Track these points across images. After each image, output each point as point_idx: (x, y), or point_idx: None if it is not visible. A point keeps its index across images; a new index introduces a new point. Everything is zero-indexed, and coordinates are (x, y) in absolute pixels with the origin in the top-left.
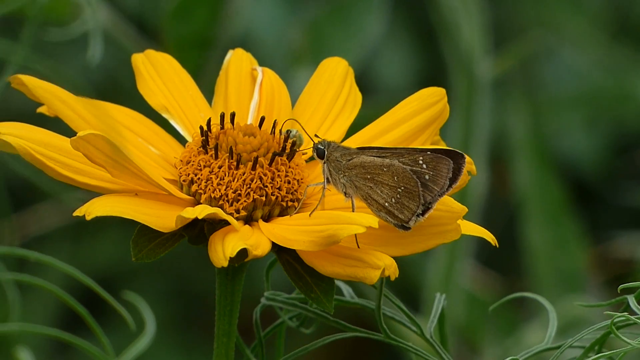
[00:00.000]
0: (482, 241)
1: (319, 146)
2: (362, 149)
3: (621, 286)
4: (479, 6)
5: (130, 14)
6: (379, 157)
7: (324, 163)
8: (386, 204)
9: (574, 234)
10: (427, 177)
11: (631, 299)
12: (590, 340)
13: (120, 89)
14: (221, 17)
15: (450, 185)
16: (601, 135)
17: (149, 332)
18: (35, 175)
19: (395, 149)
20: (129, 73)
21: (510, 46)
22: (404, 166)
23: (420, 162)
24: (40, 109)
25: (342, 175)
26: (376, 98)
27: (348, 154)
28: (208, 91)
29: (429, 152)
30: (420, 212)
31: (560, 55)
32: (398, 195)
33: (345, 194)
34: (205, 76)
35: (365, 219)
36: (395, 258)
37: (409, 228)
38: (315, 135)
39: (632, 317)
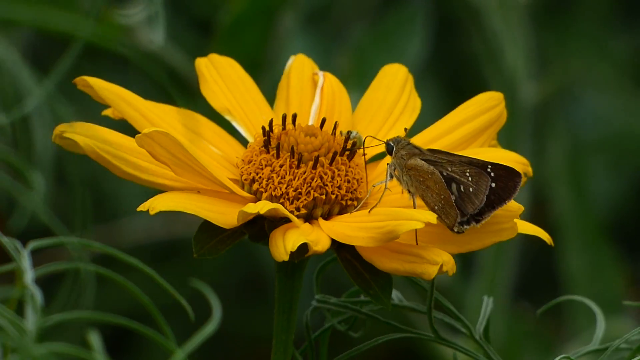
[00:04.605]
0: (518, 272)
1: (390, 142)
2: (431, 151)
3: None
4: (523, 31)
5: (198, 17)
6: (428, 161)
7: (392, 159)
8: (435, 208)
9: (611, 259)
10: (470, 189)
11: None
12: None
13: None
14: (270, 40)
15: (503, 200)
16: (625, 178)
17: (215, 319)
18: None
19: (453, 156)
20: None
21: (549, 74)
22: (442, 175)
23: (467, 174)
24: (105, 112)
25: (404, 173)
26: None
27: (411, 154)
28: None
29: (474, 167)
30: (465, 220)
31: (583, 99)
32: (441, 203)
33: (408, 191)
34: None
35: (424, 215)
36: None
37: (462, 232)
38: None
39: None
